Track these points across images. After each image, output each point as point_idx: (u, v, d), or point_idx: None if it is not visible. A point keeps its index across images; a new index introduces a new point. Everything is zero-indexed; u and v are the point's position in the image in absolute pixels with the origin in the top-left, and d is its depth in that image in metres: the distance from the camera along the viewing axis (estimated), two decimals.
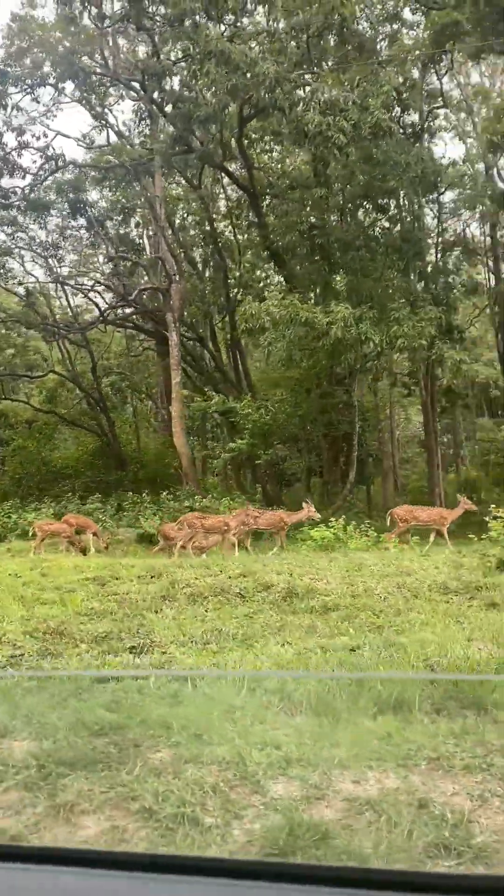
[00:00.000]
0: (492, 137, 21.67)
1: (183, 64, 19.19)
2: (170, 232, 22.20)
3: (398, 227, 19.31)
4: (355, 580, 10.07)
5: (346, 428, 21.97)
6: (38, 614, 8.39)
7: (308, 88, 16.47)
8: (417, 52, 16.59)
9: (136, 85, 21.15)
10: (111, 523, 18.16)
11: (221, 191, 26.51)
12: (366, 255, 18.63)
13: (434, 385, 27.39)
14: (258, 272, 28.81)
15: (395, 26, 19.02)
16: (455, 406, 30.09)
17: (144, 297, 22.99)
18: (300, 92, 16.83)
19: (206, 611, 9.07)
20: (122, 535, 17.93)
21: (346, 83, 17.06)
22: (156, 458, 28.34)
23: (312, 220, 19.12)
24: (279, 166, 24.24)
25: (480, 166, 22.85)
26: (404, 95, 16.38)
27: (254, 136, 22.66)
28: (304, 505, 15.20)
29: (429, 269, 21.38)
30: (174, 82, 19.68)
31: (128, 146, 24.25)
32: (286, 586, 9.66)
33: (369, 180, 17.23)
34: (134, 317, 25.80)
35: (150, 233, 24.01)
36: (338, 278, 18.72)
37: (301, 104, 15.90)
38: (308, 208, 19.70)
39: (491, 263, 28.40)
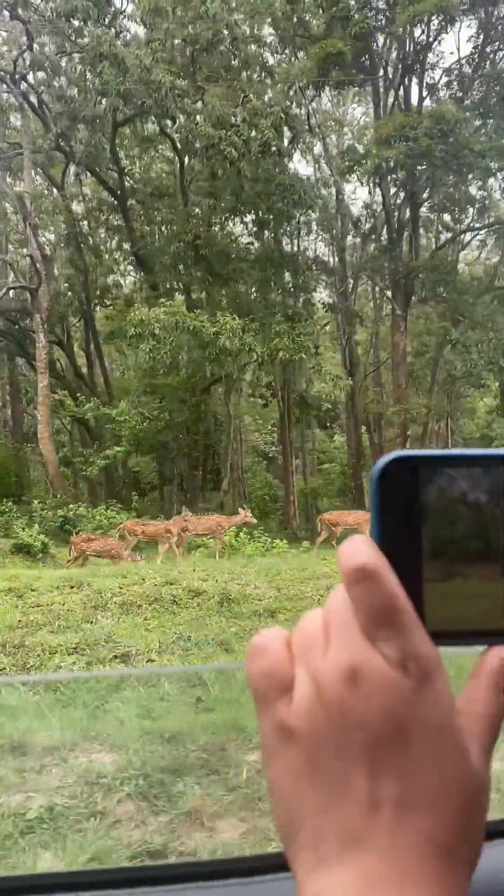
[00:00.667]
0: (343, 163, 23.12)
1: (63, 62, 18.65)
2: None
3: (271, 243, 20.05)
4: (280, 584, 10.39)
5: (216, 437, 22.30)
6: None
7: (200, 101, 16.69)
8: (301, 77, 17.34)
9: (4, 76, 20.21)
10: None
11: (80, 192, 25.93)
12: (244, 267, 19.16)
13: (289, 397, 28.57)
14: (116, 276, 28.53)
15: (283, 52, 19.78)
16: (309, 417, 31.47)
17: (10, 296, 21.93)
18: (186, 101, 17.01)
19: (145, 619, 8.98)
20: None
21: (229, 98, 17.46)
22: None
23: (198, 229, 19.30)
24: (147, 173, 24.18)
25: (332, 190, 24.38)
26: (289, 116, 17.07)
27: (125, 141, 22.48)
28: (240, 510, 15.57)
29: (290, 286, 22.45)
30: (61, 79, 19.03)
31: None
32: (219, 592, 9.77)
33: (253, 195, 17.74)
34: None
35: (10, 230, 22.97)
36: (221, 290, 19.06)
37: (194, 115, 16.08)
38: (192, 218, 19.88)
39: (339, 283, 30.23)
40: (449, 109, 17.36)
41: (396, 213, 22.57)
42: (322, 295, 29.39)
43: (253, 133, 16.03)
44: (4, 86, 20.54)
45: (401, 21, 18.54)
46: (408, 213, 22.95)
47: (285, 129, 18.97)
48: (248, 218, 20.03)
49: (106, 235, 25.66)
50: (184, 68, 16.91)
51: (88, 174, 24.21)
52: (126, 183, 23.00)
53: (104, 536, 14.94)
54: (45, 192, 26.39)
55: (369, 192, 23.49)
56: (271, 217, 18.00)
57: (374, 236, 24.27)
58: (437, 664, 0.42)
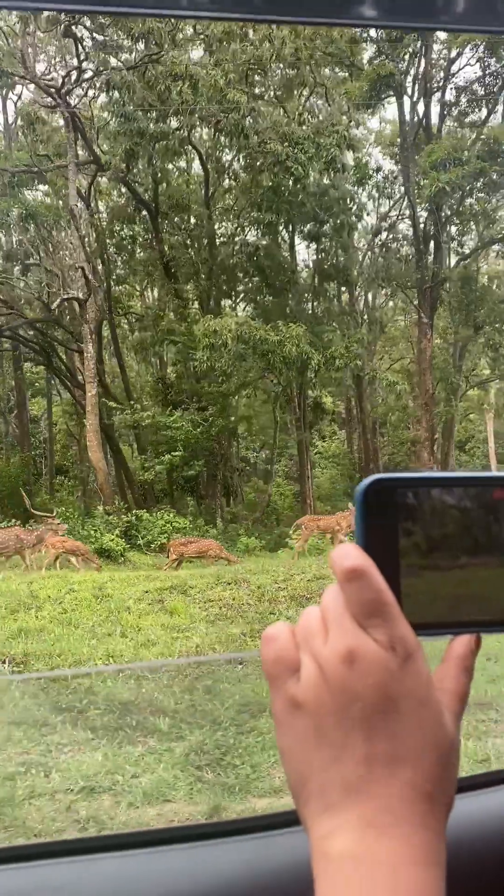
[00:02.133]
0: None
1: (118, 77, 19.12)
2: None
3: (322, 255, 20.87)
4: None
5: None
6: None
7: (268, 118, 17.41)
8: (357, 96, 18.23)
9: (52, 91, 20.58)
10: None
11: (110, 204, 26.30)
12: (296, 279, 19.92)
13: (305, 401, 29.40)
14: (134, 286, 28.91)
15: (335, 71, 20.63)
16: (322, 421, 32.29)
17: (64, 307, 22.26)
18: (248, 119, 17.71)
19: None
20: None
21: (289, 115, 18.21)
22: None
23: (252, 240, 19.98)
24: (181, 186, 24.71)
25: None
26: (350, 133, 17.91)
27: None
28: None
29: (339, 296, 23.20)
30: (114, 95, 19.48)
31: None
32: None
33: (311, 210, 18.52)
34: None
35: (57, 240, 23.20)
36: (276, 300, 19.79)
37: (261, 133, 16.79)
38: (252, 229, 20.54)
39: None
40: (502, 131, 18.44)
41: (423, 225, 23.65)
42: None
43: (315, 150, 16.81)
44: (49, 99, 20.93)
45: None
46: (431, 225, 24.06)
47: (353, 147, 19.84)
48: (302, 230, 20.71)
49: (132, 246, 25.99)
50: (250, 87, 17.61)
51: (119, 186, 24.67)
52: (159, 196, 23.46)
53: (199, 539, 15.50)
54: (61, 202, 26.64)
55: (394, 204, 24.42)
56: (327, 230, 18.78)
57: (395, 246, 25.25)
58: (417, 646, 0.52)
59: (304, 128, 17.12)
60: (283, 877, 0.74)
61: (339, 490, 33.99)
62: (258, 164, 17.82)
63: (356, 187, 20.10)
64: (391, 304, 27.94)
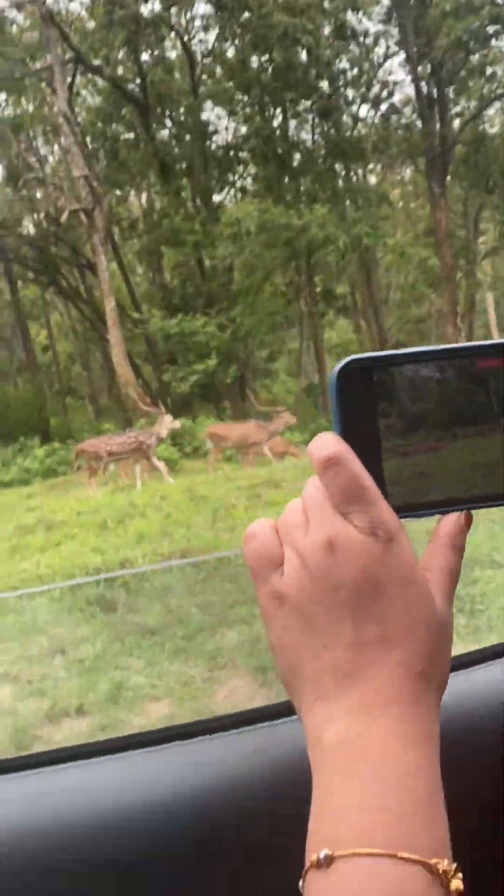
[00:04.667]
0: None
1: None
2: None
3: (332, 132, 19.97)
4: None
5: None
6: None
7: None
8: None
9: None
10: None
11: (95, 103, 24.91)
12: (315, 158, 19.16)
13: (311, 288, 28.90)
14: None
15: None
16: (332, 311, 31.81)
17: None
18: None
19: None
20: None
21: None
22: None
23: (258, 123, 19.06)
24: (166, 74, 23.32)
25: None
26: None
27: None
28: None
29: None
30: None
31: None
32: None
33: (323, 84, 17.59)
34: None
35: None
36: (291, 183, 19.06)
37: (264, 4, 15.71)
38: (257, 115, 19.58)
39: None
40: None
41: (426, 87, 22.58)
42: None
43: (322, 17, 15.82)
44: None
45: None
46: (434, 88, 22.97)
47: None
48: (304, 106, 19.73)
49: (124, 148, 24.80)
50: None
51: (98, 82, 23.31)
52: (147, 89, 22.22)
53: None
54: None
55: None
56: (333, 103, 17.91)
57: (396, 115, 24.18)
58: (399, 528, 0.51)
59: None
60: (284, 765, 0.76)
61: None
62: (262, 38, 16.73)
63: (361, 52, 19.04)
64: (398, 177, 27.04)
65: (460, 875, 0.45)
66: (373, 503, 0.51)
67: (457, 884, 0.45)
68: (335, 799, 0.48)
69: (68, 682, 4.15)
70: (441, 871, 0.44)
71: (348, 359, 0.53)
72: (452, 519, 0.56)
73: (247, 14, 16.23)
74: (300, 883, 0.47)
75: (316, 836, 0.48)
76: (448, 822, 0.48)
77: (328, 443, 0.52)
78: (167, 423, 13.99)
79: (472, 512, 0.56)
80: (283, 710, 0.84)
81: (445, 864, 0.45)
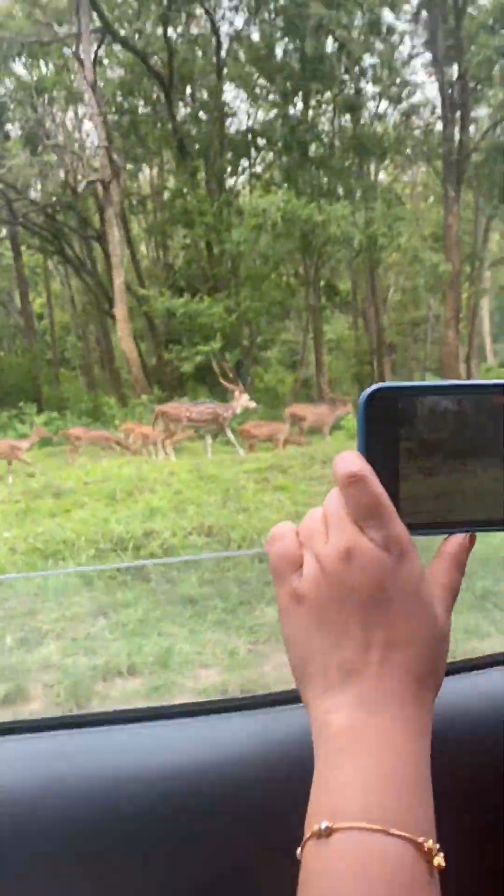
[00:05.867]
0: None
1: None
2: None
3: (352, 126, 20.03)
4: None
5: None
6: None
7: None
8: None
9: None
10: None
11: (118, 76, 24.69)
12: (336, 152, 19.21)
13: (317, 283, 28.97)
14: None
15: None
16: (335, 303, 31.89)
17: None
18: None
19: None
20: None
21: None
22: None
23: (292, 113, 19.09)
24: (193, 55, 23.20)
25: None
26: None
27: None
28: None
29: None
30: None
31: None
32: None
33: (351, 77, 17.62)
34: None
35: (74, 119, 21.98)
36: (314, 176, 19.10)
37: None
38: (307, 104, 19.55)
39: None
40: None
41: (450, 91, 22.69)
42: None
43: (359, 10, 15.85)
44: None
45: None
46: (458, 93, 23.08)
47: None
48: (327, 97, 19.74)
49: (144, 123, 24.65)
50: None
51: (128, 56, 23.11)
52: (177, 67, 22.07)
53: (269, 422, 15.68)
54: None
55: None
56: (357, 98, 17.93)
57: (416, 117, 24.28)
58: (410, 545, 0.57)
59: None
60: (289, 747, 0.81)
61: (348, 377, 34.14)
62: (295, 26, 16.73)
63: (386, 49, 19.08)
64: (406, 177, 27.15)
65: (442, 854, 0.51)
66: (389, 521, 0.56)
67: (438, 860, 0.50)
68: (337, 777, 0.53)
69: (114, 644, 4.26)
70: (427, 849, 0.50)
71: (377, 386, 0.59)
72: (458, 539, 0.62)
73: (282, 1, 16.12)
74: (298, 850, 0.53)
75: (317, 808, 0.53)
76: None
77: (352, 460, 0.57)
78: (244, 402, 14.93)
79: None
80: (289, 698, 0.89)
81: (430, 843, 0.50)
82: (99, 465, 12.36)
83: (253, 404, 15.47)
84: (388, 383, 0.59)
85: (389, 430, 0.58)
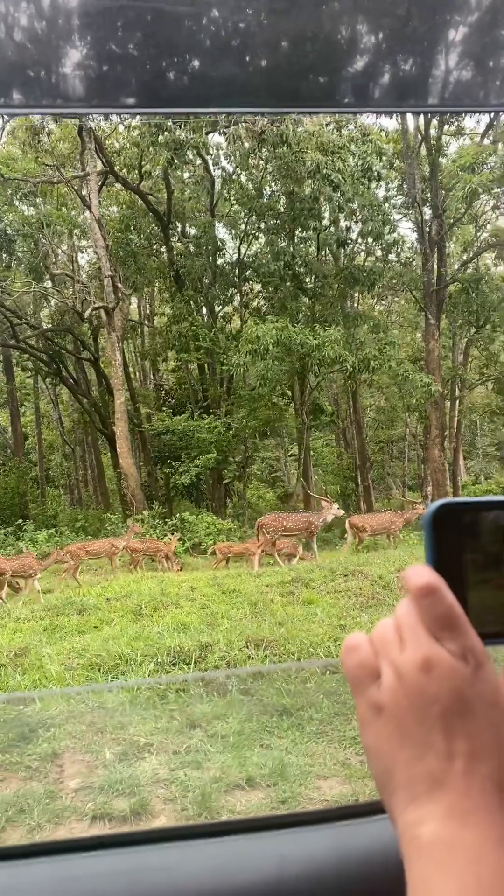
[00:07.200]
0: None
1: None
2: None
3: (347, 260, 21.45)
4: None
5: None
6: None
7: (302, 126, 17.88)
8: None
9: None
10: None
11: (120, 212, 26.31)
12: (332, 283, 20.45)
13: (305, 402, 29.90)
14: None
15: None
16: (320, 421, 32.73)
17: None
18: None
19: None
20: None
21: (323, 124, 18.71)
22: None
23: (291, 249, 20.44)
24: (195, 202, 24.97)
25: None
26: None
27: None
28: (415, 506, 17.13)
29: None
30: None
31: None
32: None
33: (344, 217, 19.03)
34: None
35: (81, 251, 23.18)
36: (310, 305, 20.24)
37: (301, 142, 17.23)
38: (293, 239, 20.96)
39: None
40: None
41: (429, 229, 24.50)
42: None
43: (352, 159, 17.38)
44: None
45: None
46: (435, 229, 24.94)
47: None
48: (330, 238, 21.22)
49: (141, 256, 26.05)
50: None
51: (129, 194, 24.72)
52: (172, 205, 23.67)
53: (239, 542, 16.17)
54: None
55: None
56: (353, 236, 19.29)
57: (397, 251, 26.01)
58: (486, 655, 0.58)
59: (341, 133, 17.63)
60: (371, 860, 0.79)
61: (332, 492, 34.55)
62: (294, 172, 18.25)
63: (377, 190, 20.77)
64: (393, 306, 28.79)
65: None
66: (464, 631, 0.57)
67: None
68: (433, 893, 0.52)
69: (218, 756, 4.16)
70: None
71: (441, 502, 0.62)
72: None
73: (284, 148, 17.61)
74: None
75: None
76: None
77: (424, 573, 0.59)
78: (333, 511, 15.88)
79: None
80: (362, 811, 0.87)
81: None
82: (116, 582, 12.23)
83: (341, 512, 16.45)
84: (451, 499, 0.62)
85: (456, 542, 0.61)
